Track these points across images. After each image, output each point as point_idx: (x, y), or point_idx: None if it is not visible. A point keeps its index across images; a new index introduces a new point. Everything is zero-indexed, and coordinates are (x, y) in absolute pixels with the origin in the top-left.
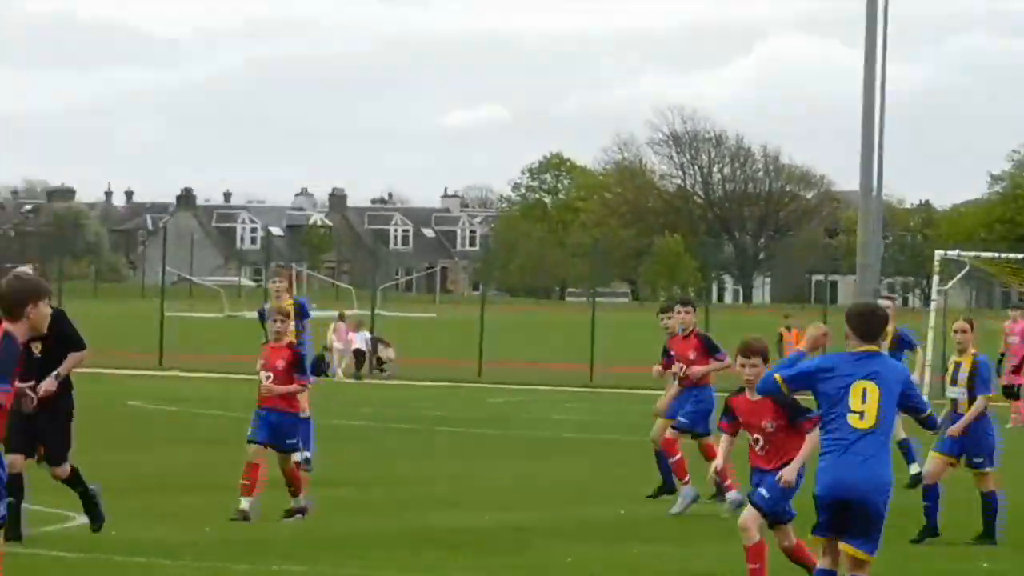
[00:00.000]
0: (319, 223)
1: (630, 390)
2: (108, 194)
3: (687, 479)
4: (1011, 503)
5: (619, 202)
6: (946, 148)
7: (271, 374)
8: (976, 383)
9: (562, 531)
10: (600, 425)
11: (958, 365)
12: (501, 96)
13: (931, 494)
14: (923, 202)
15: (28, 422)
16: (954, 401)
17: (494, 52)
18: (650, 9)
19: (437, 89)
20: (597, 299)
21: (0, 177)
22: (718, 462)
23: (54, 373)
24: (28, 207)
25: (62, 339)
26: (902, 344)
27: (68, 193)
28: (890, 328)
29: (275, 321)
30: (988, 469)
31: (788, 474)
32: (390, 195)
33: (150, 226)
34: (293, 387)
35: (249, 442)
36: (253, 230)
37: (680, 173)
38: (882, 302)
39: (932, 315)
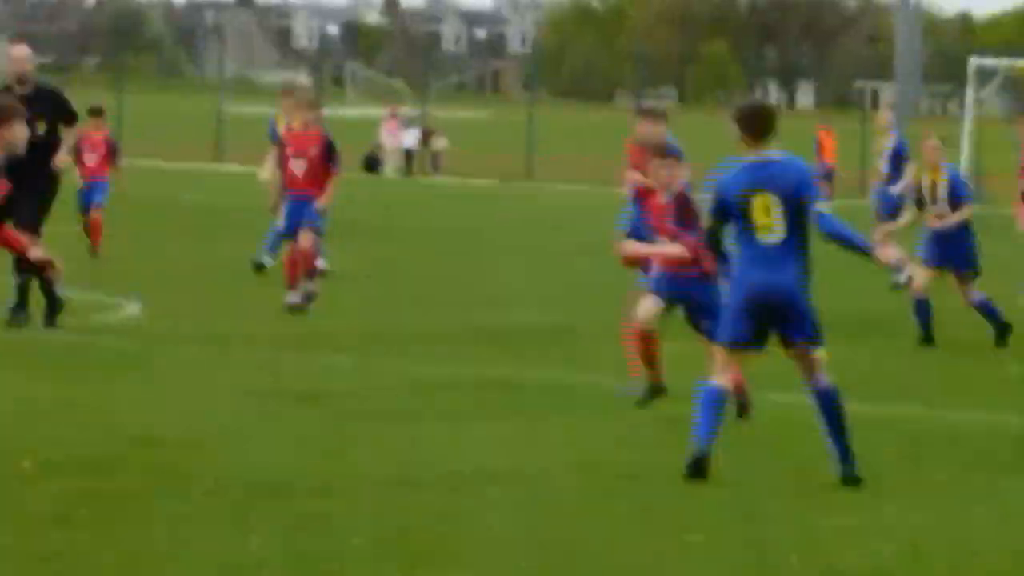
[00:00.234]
0: (374, 23)
1: None
2: None
3: None
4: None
5: (666, 7)
6: None
7: (304, 161)
8: (957, 194)
9: (611, 330)
10: None
11: (933, 182)
12: None
13: (921, 307)
14: (962, 12)
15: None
16: (938, 216)
17: None
18: None
19: None
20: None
21: None
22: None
23: (60, 152)
24: (91, 2)
25: (58, 119)
26: (897, 157)
27: None
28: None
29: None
30: (970, 273)
31: (629, 247)
32: None
33: (210, 24)
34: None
35: (285, 237)
36: (309, 29)
37: None
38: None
39: (967, 123)
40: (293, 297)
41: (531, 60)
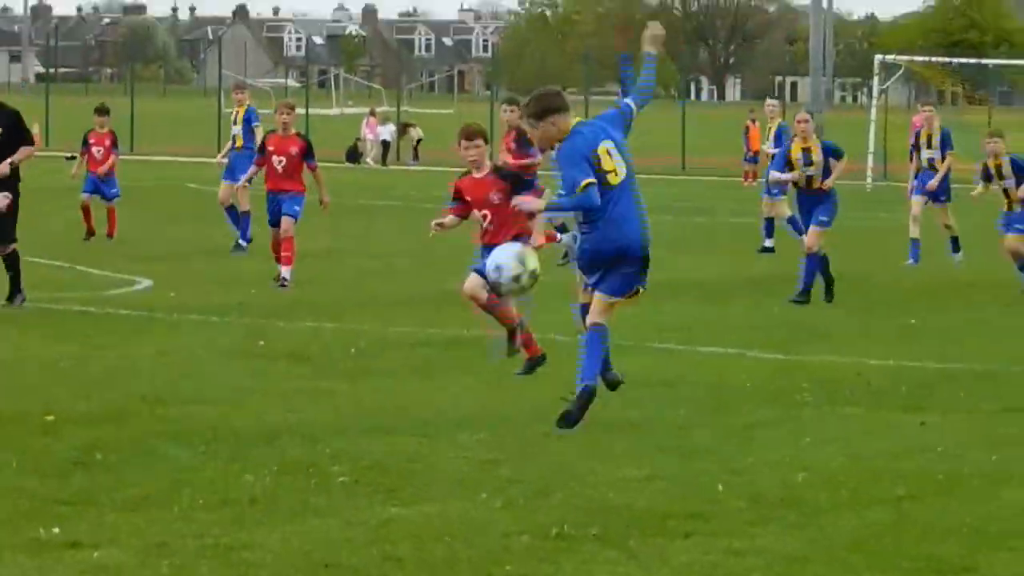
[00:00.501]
0: (354, 33)
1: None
2: (174, 10)
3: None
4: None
5: (608, 12)
6: None
7: (284, 159)
8: (826, 162)
9: (559, 293)
10: None
11: (806, 150)
12: None
13: (811, 261)
14: (869, 15)
15: None
16: (808, 178)
17: None
18: None
19: None
20: (592, 97)
21: None
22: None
23: (8, 160)
24: (106, 20)
25: (15, 135)
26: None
27: (140, 9)
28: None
29: (282, 114)
30: (825, 229)
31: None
32: (415, 9)
33: (210, 36)
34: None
35: (271, 225)
36: (298, 39)
37: None
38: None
39: (873, 111)
40: (284, 272)
41: (492, 63)
